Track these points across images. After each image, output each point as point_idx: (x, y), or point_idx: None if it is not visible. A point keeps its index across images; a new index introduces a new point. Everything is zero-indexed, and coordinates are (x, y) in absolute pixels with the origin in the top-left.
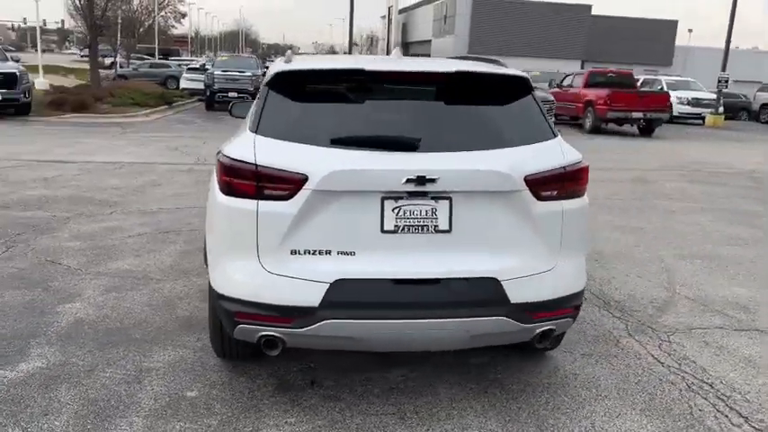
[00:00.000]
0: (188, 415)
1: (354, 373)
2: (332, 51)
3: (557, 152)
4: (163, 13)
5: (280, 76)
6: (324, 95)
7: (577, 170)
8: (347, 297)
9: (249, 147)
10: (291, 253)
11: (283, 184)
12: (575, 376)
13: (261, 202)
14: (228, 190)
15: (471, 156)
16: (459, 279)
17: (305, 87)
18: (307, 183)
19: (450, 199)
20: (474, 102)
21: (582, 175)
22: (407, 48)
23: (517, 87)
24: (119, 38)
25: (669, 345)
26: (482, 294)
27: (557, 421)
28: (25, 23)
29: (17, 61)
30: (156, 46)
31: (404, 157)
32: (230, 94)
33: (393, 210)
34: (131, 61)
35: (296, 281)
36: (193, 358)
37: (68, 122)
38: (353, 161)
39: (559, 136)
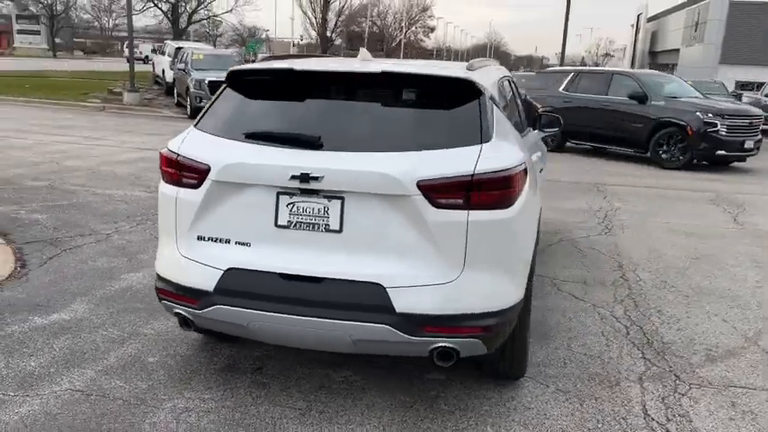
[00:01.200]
0: (130, 376)
1: (303, 367)
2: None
3: (469, 158)
4: (413, 28)
5: (229, 75)
6: (258, 93)
7: (495, 179)
8: (237, 286)
9: (181, 139)
10: (198, 239)
11: (192, 174)
12: (526, 409)
13: (179, 190)
14: (162, 177)
15: (366, 157)
16: (344, 281)
17: (245, 86)
18: (209, 173)
19: (342, 199)
20: (396, 103)
21: (502, 185)
22: (655, 57)
23: (454, 90)
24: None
25: (678, 398)
26: (366, 299)
27: None
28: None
29: None
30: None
31: (297, 154)
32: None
33: (287, 205)
34: None
35: (199, 265)
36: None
37: None
38: (246, 155)
39: (492, 141)
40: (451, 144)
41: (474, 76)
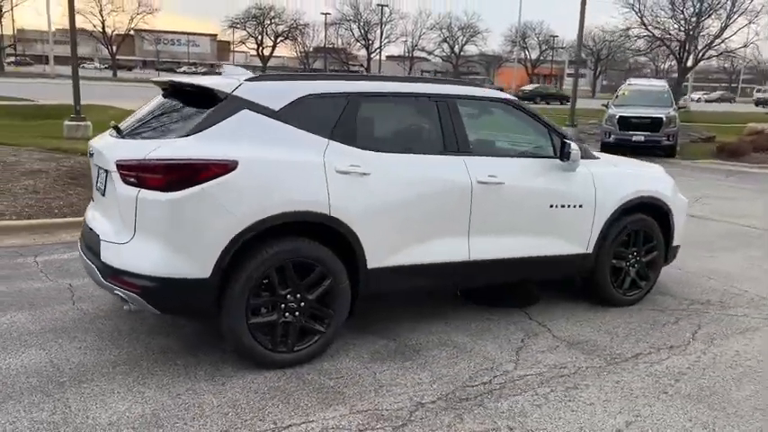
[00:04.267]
0: (71, 329)
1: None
2: None
3: (155, 146)
4: None
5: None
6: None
7: (157, 165)
8: (84, 234)
9: None
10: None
11: None
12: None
13: None
14: None
15: (123, 142)
16: (94, 231)
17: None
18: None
19: (106, 172)
20: (176, 105)
21: (163, 171)
22: None
23: (206, 95)
24: None
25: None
26: (95, 247)
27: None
28: None
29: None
30: None
31: (109, 141)
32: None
33: (98, 174)
34: None
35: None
36: None
37: (712, 169)
38: (96, 142)
39: (199, 135)
40: (177, 135)
41: (208, 85)
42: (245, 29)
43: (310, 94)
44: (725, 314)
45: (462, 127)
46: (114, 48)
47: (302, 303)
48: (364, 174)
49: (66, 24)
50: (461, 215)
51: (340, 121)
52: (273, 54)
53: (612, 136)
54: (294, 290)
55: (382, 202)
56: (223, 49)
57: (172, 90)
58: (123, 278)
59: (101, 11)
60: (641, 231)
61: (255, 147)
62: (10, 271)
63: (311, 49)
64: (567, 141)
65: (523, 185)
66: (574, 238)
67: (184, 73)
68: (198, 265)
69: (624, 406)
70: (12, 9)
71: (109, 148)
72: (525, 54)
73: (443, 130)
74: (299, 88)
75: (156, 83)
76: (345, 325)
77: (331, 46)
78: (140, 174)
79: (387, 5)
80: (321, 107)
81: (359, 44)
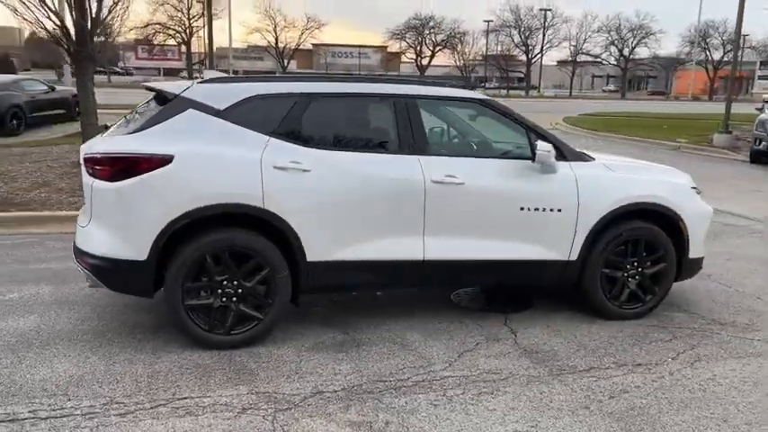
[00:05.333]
0: (76, 303)
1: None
2: None
3: (106, 142)
4: None
5: None
6: None
7: (100, 158)
8: None
9: None
10: None
11: None
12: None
13: None
14: None
15: (97, 139)
16: None
17: None
18: None
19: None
20: (150, 106)
21: (105, 163)
22: None
23: (163, 97)
24: None
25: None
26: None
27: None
28: None
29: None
30: None
31: (95, 139)
32: None
33: None
34: None
35: None
36: None
37: None
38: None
39: (149, 129)
40: (130, 131)
41: (159, 87)
42: (404, 39)
43: (257, 95)
44: (738, 337)
45: (421, 126)
46: (286, 62)
47: (239, 290)
48: (305, 170)
49: (248, 41)
50: (414, 214)
51: (285, 119)
52: (431, 63)
53: (764, 143)
54: (231, 277)
55: (323, 198)
56: (390, 60)
57: (153, 93)
58: (83, 258)
59: (275, 28)
60: (642, 240)
61: (195, 143)
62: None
63: (470, 57)
64: (535, 142)
65: (488, 186)
66: (551, 243)
67: None
68: (136, 248)
69: (527, 416)
70: (205, 28)
71: (87, 145)
72: (706, 55)
73: (399, 130)
74: (245, 89)
75: (144, 87)
76: (308, 316)
77: (492, 53)
78: (94, 166)
79: (550, 9)
80: (266, 107)
81: (518, 50)
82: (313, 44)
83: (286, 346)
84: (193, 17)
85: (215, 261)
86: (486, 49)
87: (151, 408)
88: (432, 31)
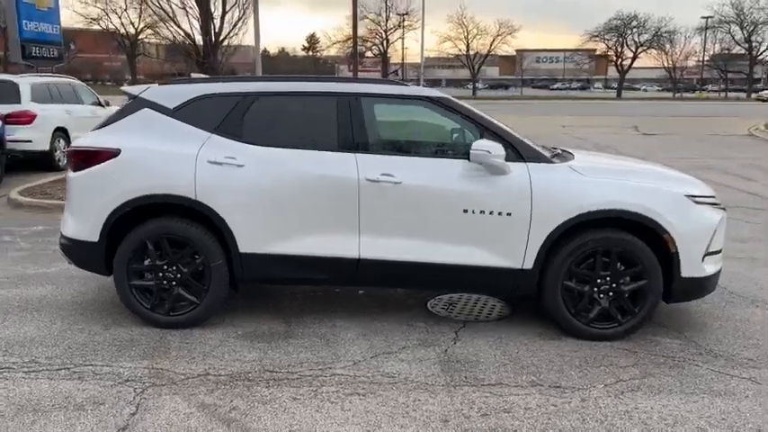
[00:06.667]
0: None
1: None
2: None
3: (84, 137)
4: None
5: None
6: None
7: (71, 152)
8: None
9: None
10: None
11: None
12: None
13: None
14: None
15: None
16: None
17: None
18: None
19: None
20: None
21: (72, 156)
22: None
23: (129, 97)
24: None
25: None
26: None
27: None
28: None
29: None
30: None
31: None
32: None
33: None
34: None
35: None
36: None
37: None
38: None
39: (108, 126)
40: (96, 128)
41: (134, 88)
42: (603, 41)
43: (204, 95)
44: (717, 372)
45: (363, 125)
46: (476, 68)
47: (178, 275)
48: (239, 165)
49: (439, 50)
50: (349, 212)
51: (227, 118)
52: (633, 65)
53: None
54: (171, 262)
55: (255, 193)
56: (597, 62)
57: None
58: (60, 239)
59: (467, 36)
60: (615, 252)
61: (143, 138)
62: None
63: (680, 57)
64: (475, 142)
65: (428, 186)
66: (499, 249)
67: (557, 89)
68: (90, 230)
69: (373, 420)
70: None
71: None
72: None
73: (339, 128)
74: (194, 90)
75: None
76: (266, 305)
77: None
78: (69, 158)
79: None
80: (211, 106)
81: (740, 47)
82: (516, 50)
83: (219, 331)
84: (389, 29)
85: (156, 247)
86: (704, 47)
87: (55, 370)
88: (635, 30)
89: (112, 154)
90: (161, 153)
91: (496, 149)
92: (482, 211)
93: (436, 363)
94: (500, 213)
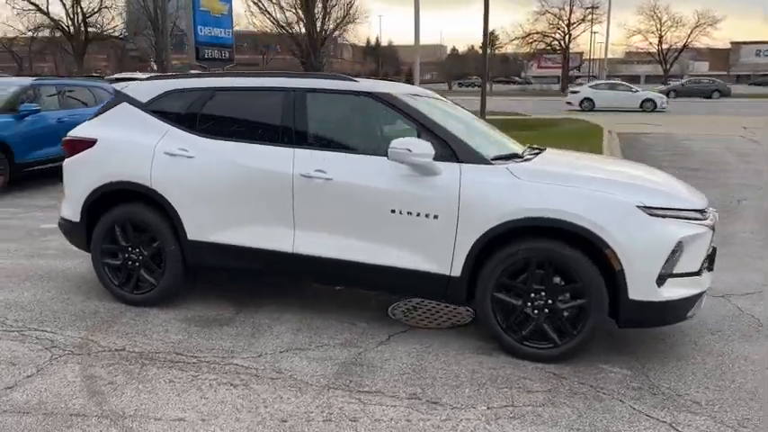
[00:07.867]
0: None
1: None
2: None
3: (78, 129)
4: None
5: None
6: None
7: (64, 141)
8: None
9: None
10: None
11: None
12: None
13: None
14: None
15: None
16: None
17: None
18: None
19: None
20: None
21: (64, 146)
22: None
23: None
24: None
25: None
26: None
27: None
28: None
29: None
30: None
31: None
32: None
33: None
34: None
35: None
36: None
37: None
38: None
39: (95, 118)
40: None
41: (123, 83)
42: None
43: (172, 90)
44: (640, 413)
45: (305, 120)
46: (668, 65)
47: (140, 257)
48: (190, 157)
49: (627, 44)
50: (284, 207)
51: (187, 111)
52: None
53: None
54: (134, 245)
55: (202, 182)
56: None
57: None
58: (59, 219)
59: (660, 28)
60: (550, 265)
61: (117, 130)
62: None
63: None
64: (396, 139)
65: (357, 184)
66: (427, 253)
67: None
68: (74, 212)
69: (215, 410)
70: (591, 33)
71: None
72: None
73: (282, 122)
74: (165, 85)
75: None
76: (228, 293)
77: None
78: (65, 147)
79: None
80: (176, 100)
81: None
82: (732, 42)
83: (172, 312)
84: (573, 24)
85: (122, 230)
86: None
87: (11, 331)
88: None
89: (90, 143)
90: (128, 144)
91: (420, 148)
92: (409, 212)
93: (338, 364)
94: (427, 215)
